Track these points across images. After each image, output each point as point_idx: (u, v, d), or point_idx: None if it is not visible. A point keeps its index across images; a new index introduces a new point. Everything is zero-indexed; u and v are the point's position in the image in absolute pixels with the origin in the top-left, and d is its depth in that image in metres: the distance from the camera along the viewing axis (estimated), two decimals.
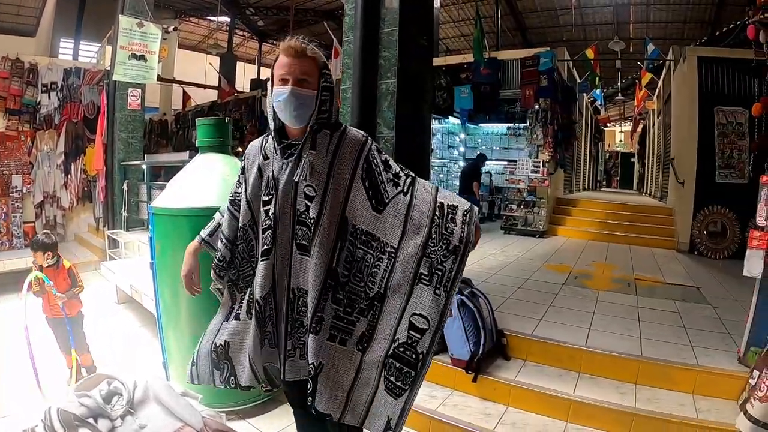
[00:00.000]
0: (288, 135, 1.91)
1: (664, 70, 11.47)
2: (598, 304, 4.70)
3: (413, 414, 2.86)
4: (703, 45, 9.79)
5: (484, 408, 3.28)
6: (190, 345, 3.13)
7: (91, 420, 1.89)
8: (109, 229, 7.88)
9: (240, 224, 1.99)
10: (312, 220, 1.81)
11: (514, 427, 3.09)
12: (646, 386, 3.34)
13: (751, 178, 7.67)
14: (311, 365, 1.81)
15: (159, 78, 8.42)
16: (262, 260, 1.91)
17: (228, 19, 17.72)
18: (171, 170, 7.89)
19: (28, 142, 9.19)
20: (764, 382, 2.66)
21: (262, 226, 1.91)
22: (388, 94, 3.45)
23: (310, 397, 1.81)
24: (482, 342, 3.44)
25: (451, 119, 11.45)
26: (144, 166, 7.45)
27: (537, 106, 9.12)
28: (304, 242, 1.84)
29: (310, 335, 1.82)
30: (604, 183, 24.66)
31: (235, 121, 10.82)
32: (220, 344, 2.05)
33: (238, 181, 2.04)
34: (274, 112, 1.85)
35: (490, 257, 6.73)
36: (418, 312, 1.73)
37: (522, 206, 9.33)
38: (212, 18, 17.74)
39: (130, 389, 2.04)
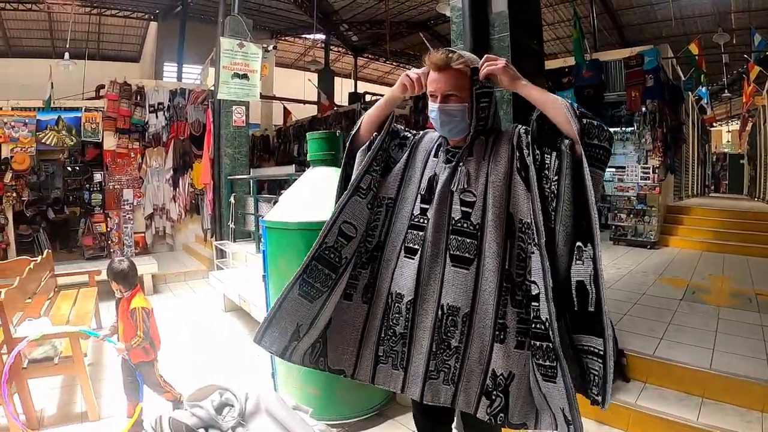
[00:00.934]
0: (449, 141, 1.88)
1: None
2: (720, 322, 4.34)
3: None
4: None
5: None
6: None
7: (201, 430, 1.92)
8: (216, 240, 8.27)
9: (377, 193, 1.92)
10: (475, 227, 1.75)
11: None
12: None
13: None
14: (500, 377, 1.70)
15: (260, 95, 8.78)
16: (407, 257, 1.85)
17: (323, 36, 18.21)
18: (275, 183, 8.17)
19: (138, 158, 9.90)
20: None
21: (412, 220, 1.86)
22: (503, 102, 3.35)
23: (501, 414, 1.71)
24: None
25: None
26: (250, 180, 7.76)
27: (644, 108, 8.59)
28: (459, 253, 1.76)
29: (496, 344, 1.71)
30: (712, 188, 22.96)
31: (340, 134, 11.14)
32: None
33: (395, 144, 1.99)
34: None
35: (605, 270, 6.38)
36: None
37: (632, 215, 8.80)
38: (307, 36, 18.30)
39: (241, 401, 2.07)
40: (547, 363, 1.61)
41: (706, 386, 3.28)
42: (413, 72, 1.82)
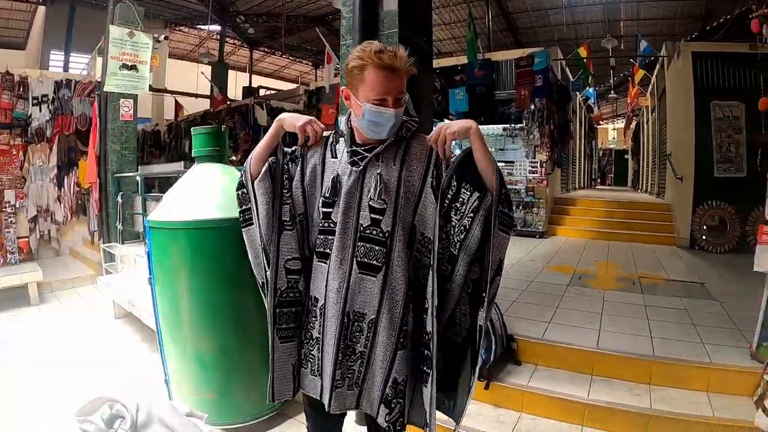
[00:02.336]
0: (356, 139, 1.82)
1: (657, 66, 11.48)
2: (605, 304, 4.67)
3: None
4: (694, 40, 9.78)
5: (497, 416, 3.22)
6: (191, 361, 3.05)
7: None
8: (104, 243, 7.76)
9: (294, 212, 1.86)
10: (385, 234, 1.74)
11: None
12: (659, 386, 3.31)
13: (753, 171, 7.67)
14: (401, 383, 1.77)
15: (151, 88, 8.32)
16: (320, 262, 1.83)
17: (218, 28, 17.63)
18: (165, 181, 7.80)
19: (20, 156, 9.06)
20: None
21: (320, 226, 1.82)
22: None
23: (400, 420, 1.79)
24: (493, 348, 3.38)
25: (446, 121, 11.31)
26: (138, 178, 7.34)
27: (533, 107, 9.08)
28: (366, 260, 1.75)
29: (399, 352, 1.76)
30: (599, 181, 24.72)
31: (228, 130, 10.79)
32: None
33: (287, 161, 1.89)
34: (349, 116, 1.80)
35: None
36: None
37: (521, 207, 9.28)
38: (202, 27, 17.64)
39: (132, 412, 1.96)
40: (425, 369, 1.75)
41: (595, 364, 3.51)
42: (318, 125, 1.83)
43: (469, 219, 1.70)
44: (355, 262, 1.75)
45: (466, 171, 1.73)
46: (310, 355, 1.86)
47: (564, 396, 3.22)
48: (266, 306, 1.85)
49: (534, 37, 14.53)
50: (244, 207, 1.88)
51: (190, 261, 2.95)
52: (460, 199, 1.72)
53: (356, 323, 1.77)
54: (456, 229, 1.72)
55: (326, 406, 1.81)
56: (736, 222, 7.89)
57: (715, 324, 4.09)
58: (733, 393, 3.17)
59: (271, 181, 1.81)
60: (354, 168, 1.76)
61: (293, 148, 1.91)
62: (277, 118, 1.86)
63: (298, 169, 1.86)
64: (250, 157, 1.86)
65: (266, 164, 1.82)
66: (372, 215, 1.74)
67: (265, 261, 1.84)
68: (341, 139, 1.85)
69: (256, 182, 1.82)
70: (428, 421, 1.74)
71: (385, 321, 1.74)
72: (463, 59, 9.55)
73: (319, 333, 1.82)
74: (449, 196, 1.73)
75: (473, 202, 1.70)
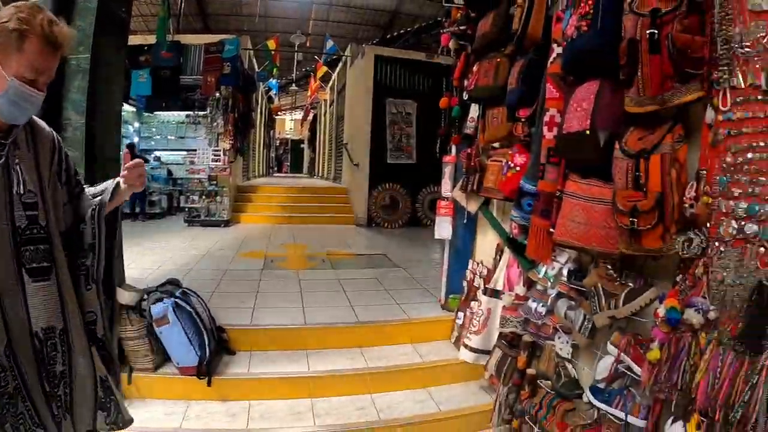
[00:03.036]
0: None
1: (340, 65, 12.63)
2: (302, 283, 4.95)
3: None
4: (376, 45, 11.07)
5: (227, 410, 3.13)
6: None
7: None
8: None
9: None
10: (44, 229, 1.47)
11: (263, 418, 3.06)
12: (370, 347, 3.72)
13: (420, 158, 9.44)
14: (106, 380, 1.67)
15: None
16: None
17: None
18: None
19: None
20: (471, 320, 3.25)
21: None
22: (80, 71, 2.92)
23: (119, 416, 1.70)
24: (207, 343, 3.23)
25: (126, 106, 10.31)
26: None
27: (218, 94, 8.93)
28: (35, 264, 1.45)
29: (93, 349, 1.63)
30: (276, 169, 25.93)
31: None
32: None
33: None
34: None
35: (181, 253, 6.35)
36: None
37: (204, 196, 9.07)
38: None
39: None
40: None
41: (307, 339, 3.71)
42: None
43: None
44: (24, 270, 1.44)
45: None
46: (17, 416, 1.44)
47: (286, 375, 3.34)
48: None
49: (224, 24, 14.21)
50: None
51: None
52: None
53: (49, 341, 1.49)
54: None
55: None
56: (407, 201, 9.42)
57: (403, 287, 4.81)
58: (434, 339, 3.85)
59: None
60: None
61: None
62: None
63: None
64: None
65: None
66: (27, 213, 1.45)
67: None
68: None
69: None
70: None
71: (75, 325, 1.55)
72: (151, 39, 8.72)
73: (15, 381, 1.42)
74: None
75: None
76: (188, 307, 3.29)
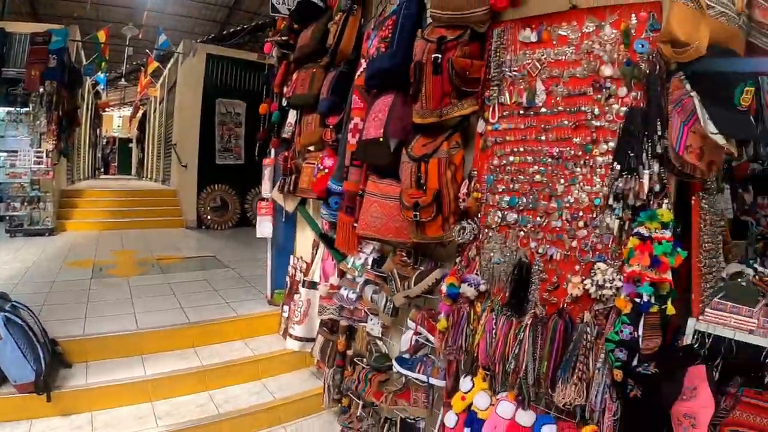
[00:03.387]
0: None
1: (172, 61, 11.93)
2: (132, 289, 4.83)
3: None
4: (211, 41, 10.60)
5: (71, 423, 3.05)
6: None
7: None
8: None
9: None
10: None
11: (108, 427, 3.04)
12: (204, 346, 3.81)
13: (250, 159, 9.09)
14: None
15: None
16: None
17: None
18: None
19: None
20: (294, 312, 3.49)
21: None
22: None
23: None
24: (42, 356, 3.07)
25: None
26: None
27: (42, 89, 8.00)
28: None
29: None
30: (102, 170, 23.72)
31: None
32: None
33: None
34: None
35: (6, 266, 5.75)
36: None
37: (26, 203, 8.10)
38: None
39: None
40: None
41: (143, 344, 3.68)
42: None
43: None
44: None
45: None
46: None
47: (125, 381, 3.31)
48: None
49: (52, 10, 12.48)
50: None
51: None
52: None
53: None
54: None
55: None
56: (236, 202, 9.34)
57: (232, 286, 4.90)
58: (263, 334, 4.06)
59: None
60: None
61: None
62: None
63: None
64: None
65: None
66: None
67: None
68: None
69: None
70: None
71: None
72: None
73: None
74: None
75: None
76: (19, 321, 3.11)
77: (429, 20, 2.35)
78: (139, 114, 19.40)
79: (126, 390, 3.28)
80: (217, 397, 3.41)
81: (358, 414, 2.98)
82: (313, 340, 3.44)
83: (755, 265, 2.04)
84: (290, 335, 3.55)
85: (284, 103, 3.92)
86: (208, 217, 9.15)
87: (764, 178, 4.22)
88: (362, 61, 2.86)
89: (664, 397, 1.64)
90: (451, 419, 2.15)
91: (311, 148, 3.47)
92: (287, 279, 4.00)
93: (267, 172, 4.18)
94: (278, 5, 4.09)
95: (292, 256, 4.09)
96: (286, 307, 3.83)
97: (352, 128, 2.75)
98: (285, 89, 3.84)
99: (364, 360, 2.89)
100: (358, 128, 2.69)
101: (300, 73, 3.48)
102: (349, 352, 3.11)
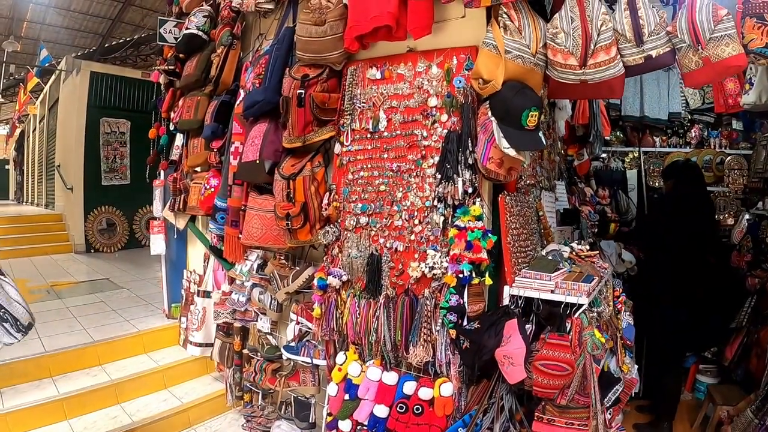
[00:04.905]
0: None
1: (53, 77, 11.32)
2: (34, 316, 4.77)
3: None
4: (93, 54, 10.25)
5: None
6: None
7: None
8: None
9: None
10: None
11: None
12: (110, 363, 3.97)
13: (136, 179, 9.12)
14: None
15: None
16: None
17: None
18: None
19: None
20: (192, 321, 3.79)
21: None
22: None
23: None
24: None
25: None
26: None
27: None
28: None
29: None
30: None
31: None
32: None
33: None
34: None
35: None
36: None
37: None
38: None
39: None
40: None
41: (50, 366, 3.76)
42: None
43: None
44: None
45: None
46: None
47: (40, 402, 3.38)
48: None
49: None
50: None
51: None
52: None
53: None
54: None
55: None
56: (125, 223, 9.17)
57: (130, 305, 5.03)
58: (165, 346, 4.26)
59: None
60: None
61: None
62: None
63: None
64: None
65: None
66: None
67: None
68: None
69: None
70: None
71: None
72: None
73: None
74: None
75: None
76: None
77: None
78: (17, 133, 18.00)
79: (42, 411, 3.36)
80: (129, 408, 3.58)
81: (259, 404, 3.37)
82: (211, 345, 3.74)
83: (572, 244, 2.69)
84: (190, 342, 3.82)
85: (172, 127, 4.18)
86: (97, 241, 8.94)
87: (602, 174, 5.13)
88: (241, 91, 3.25)
89: (488, 345, 2.10)
90: (332, 389, 2.61)
91: (198, 169, 3.79)
92: (182, 292, 4.23)
93: (158, 193, 4.40)
94: (165, 34, 4.32)
95: (185, 270, 4.33)
96: (183, 319, 4.08)
97: (233, 151, 3.14)
98: (172, 114, 4.10)
99: (258, 354, 3.27)
100: (238, 151, 3.09)
101: (186, 100, 3.77)
102: (245, 351, 3.46)
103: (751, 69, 3.32)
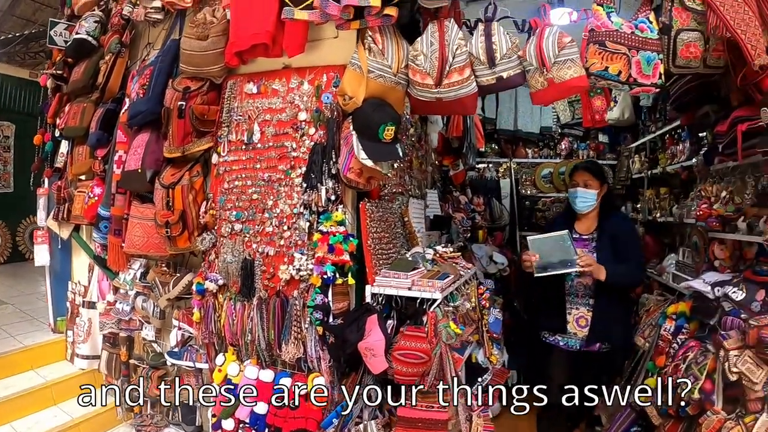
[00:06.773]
0: None
1: None
2: None
3: None
4: None
5: None
6: None
7: None
8: None
9: None
10: None
11: None
12: None
13: (21, 188, 8.34)
14: None
15: None
16: None
17: None
18: None
19: None
20: (78, 333, 3.72)
21: None
22: None
23: None
24: None
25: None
26: None
27: None
28: None
29: None
30: None
31: None
32: None
33: None
34: None
35: None
36: None
37: None
38: None
39: None
40: None
41: None
42: None
43: None
44: None
45: None
46: None
47: None
48: None
49: None
50: None
51: None
52: None
53: None
54: None
55: None
56: (7, 234, 8.46)
57: (14, 320, 4.77)
58: (52, 362, 4.06)
59: None
60: None
61: None
62: None
63: None
64: None
65: None
66: None
67: None
68: None
69: None
70: None
71: None
72: None
73: None
74: None
75: None
76: None
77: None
78: None
79: None
80: (19, 426, 3.43)
81: (149, 412, 3.37)
82: (98, 357, 3.69)
83: (436, 247, 2.93)
84: (77, 355, 3.73)
85: (57, 133, 4.07)
86: None
87: (478, 183, 5.49)
88: (126, 100, 3.27)
89: (351, 339, 2.27)
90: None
91: (82, 177, 3.72)
92: (68, 305, 4.11)
93: (42, 202, 4.25)
94: (55, 37, 4.16)
95: (70, 282, 4.20)
96: (70, 332, 3.95)
97: (117, 160, 3.17)
98: (58, 120, 3.97)
99: (144, 362, 3.29)
100: (122, 160, 3.12)
101: (72, 106, 3.70)
102: (132, 361, 3.45)
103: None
